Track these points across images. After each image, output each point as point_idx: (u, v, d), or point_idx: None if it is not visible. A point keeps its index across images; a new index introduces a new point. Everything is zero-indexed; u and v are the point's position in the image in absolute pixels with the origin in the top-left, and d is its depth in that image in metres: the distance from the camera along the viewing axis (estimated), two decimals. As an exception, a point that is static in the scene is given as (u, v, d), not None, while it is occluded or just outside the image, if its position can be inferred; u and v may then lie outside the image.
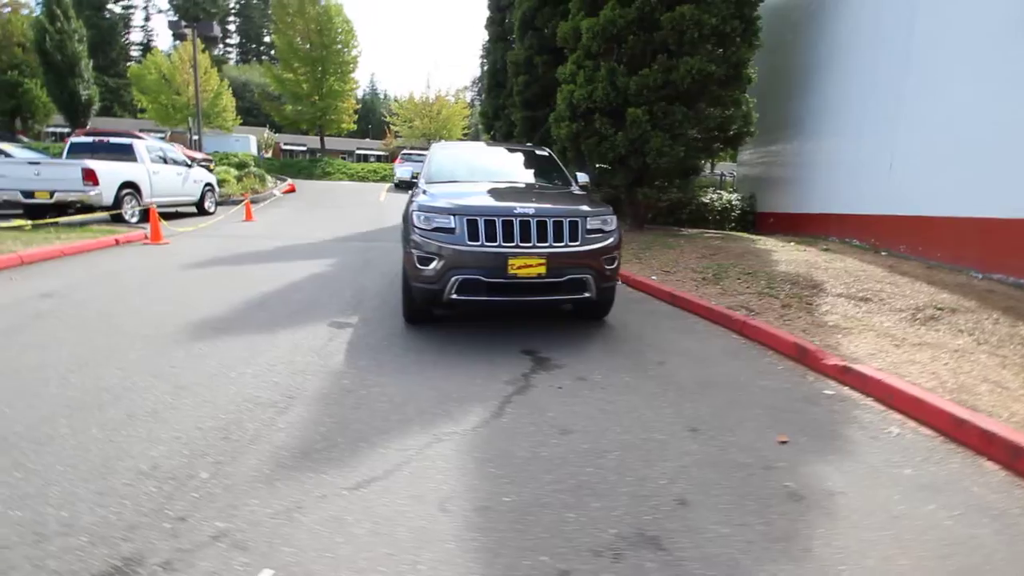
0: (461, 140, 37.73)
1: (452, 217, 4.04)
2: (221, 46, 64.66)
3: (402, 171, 20.91)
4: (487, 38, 17.43)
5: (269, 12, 36.84)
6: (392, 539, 1.89)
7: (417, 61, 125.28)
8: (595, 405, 3.12)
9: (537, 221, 4.07)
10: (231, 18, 71.30)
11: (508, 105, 15.93)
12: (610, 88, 9.53)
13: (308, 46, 29.71)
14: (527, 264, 4.03)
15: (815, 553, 1.90)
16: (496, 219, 4.03)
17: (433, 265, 4.01)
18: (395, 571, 1.74)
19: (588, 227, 4.23)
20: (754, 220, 11.79)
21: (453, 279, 3.98)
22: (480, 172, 5.53)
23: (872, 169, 7.86)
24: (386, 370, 3.56)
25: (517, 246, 4.02)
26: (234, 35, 73.08)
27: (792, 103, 10.19)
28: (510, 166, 5.80)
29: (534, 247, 4.04)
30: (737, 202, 12.30)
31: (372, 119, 52.49)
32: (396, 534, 1.92)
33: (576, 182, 5.72)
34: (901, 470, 2.48)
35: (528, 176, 5.60)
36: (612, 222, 4.38)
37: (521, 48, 13.60)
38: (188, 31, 22.40)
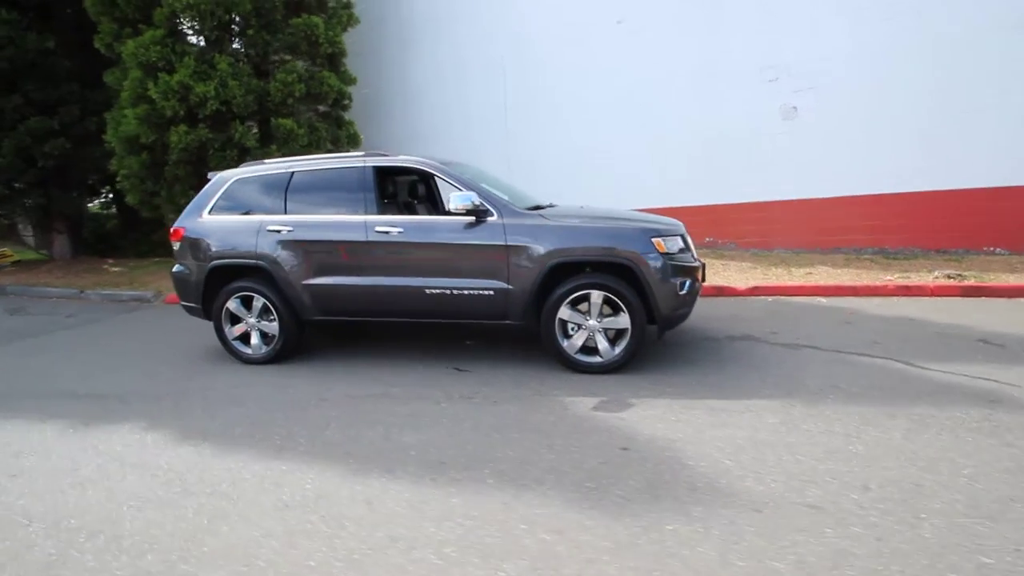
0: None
1: (679, 237, 4.09)
2: None
3: None
4: None
5: None
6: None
7: None
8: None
9: None
10: None
11: None
12: (246, 92, 8.29)
13: None
14: None
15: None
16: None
17: (689, 285, 4.00)
18: None
19: None
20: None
21: (696, 292, 4.14)
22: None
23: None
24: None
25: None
26: None
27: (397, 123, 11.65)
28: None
29: None
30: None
31: None
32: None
33: None
34: (872, 306, 5.22)
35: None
36: None
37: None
38: None
